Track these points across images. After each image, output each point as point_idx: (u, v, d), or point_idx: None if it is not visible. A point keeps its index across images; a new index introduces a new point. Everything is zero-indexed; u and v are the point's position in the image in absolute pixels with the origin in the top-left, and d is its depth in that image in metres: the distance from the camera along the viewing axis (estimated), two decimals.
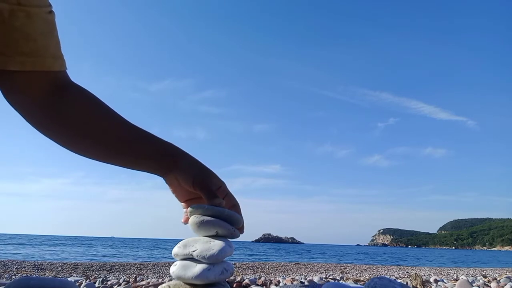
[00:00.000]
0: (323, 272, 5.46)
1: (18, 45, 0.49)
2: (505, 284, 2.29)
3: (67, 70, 0.57)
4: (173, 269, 0.61)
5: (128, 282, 2.72)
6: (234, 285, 2.05)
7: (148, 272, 5.06)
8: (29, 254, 11.76)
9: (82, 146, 0.58)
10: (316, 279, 3.21)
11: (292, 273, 5.26)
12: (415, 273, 2.35)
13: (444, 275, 5.13)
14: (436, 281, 2.79)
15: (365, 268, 7.70)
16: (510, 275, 3.25)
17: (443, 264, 13.58)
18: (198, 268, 0.59)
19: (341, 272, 5.62)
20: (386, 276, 1.23)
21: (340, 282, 2.66)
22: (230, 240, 0.63)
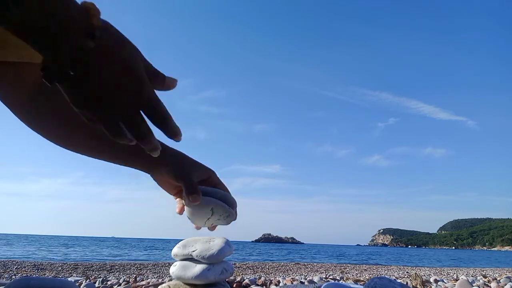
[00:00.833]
0: (323, 272, 5.45)
1: (14, 38, 0.49)
2: (505, 284, 2.29)
3: None
4: (173, 269, 0.62)
5: (128, 282, 2.73)
6: (234, 285, 2.05)
7: (148, 272, 5.06)
8: (29, 254, 11.76)
9: (73, 141, 0.58)
10: (316, 279, 3.21)
11: (292, 273, 5.26)
12: (415, 273, 2.35)
13: (444, 275, 5.13)
14: (436, 281, 2.79)
15: (365, 268, 7.70)
16: (510, 275, 3.25)
17: (443, 264, 13.57)
18: (198, 268, 0.59)
19: (341, 272, 5.62)
20: (386, 276, 1.23)
21: (340, 282, 2.66)
22: (229, 239, 0.63)
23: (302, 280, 3.15)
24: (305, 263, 9.16)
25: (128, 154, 0.58)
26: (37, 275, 3.96)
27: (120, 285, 2.54)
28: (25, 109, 0.55)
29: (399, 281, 0.90)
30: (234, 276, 3.09)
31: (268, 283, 2.42)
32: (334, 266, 8.06)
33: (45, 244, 22.44)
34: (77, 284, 2.26)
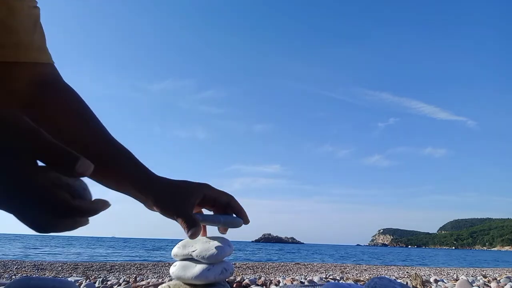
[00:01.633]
0: (323, 272, 5.46)
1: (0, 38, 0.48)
2: (505, 284, 2.29)
3: (55, 69, 0.56)
4: (173, 270, 0.62)
5: (128, 282, 2.73)
6: (234, 285, 2.05)
7: (148, 272, 5.06)
8: (29, 254, 11.76)
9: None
10: (316, 279, 3.21)
11: (292, 273, 5.26)
12: (415, 273, 2.35)
13: (444, 275, 5.13)
14: (436, 281, 2.79)
15: (365, 268, 7.70)
16: (510, 275, 3.25)
17: (443, 264, 13.57)
18: (197, 268, 0.59)
19: (341, 272, 5.62)
20: (386, 276, 1.23)
21: (340, 282, 2.65)
22: (229, 240, 0.63)
23: (302, 280, 3.15)
24: (305, 263, 9.16)
25: (117, 185, 0.55)
26: (37, 275, 3.95)
27: (120, 285, 2.54)
28: (22, 113, 0.54)
29: (399, 281, 0.90)
30: (234, 276, 3.09)
31: (268, 283, 2.43)
32: (334, 266, 8.06)
33: (45, 244, 22.44)
34: (77, 284, 2.26)
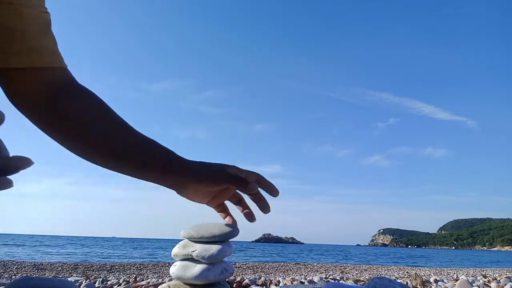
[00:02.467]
0: (323, 272, 5.45)
1: (14, 44, 0.49)
2: (505, 284, 2.29)
3: (69, 72, 0.56)
4: (173, 270, 0.62)
5: (128, 282, 2.72)
6: (234, 285, 2.05)
7: (148, 272, 5.05)
8: (29, 254, 11.76)
9: (86, 150, 0.55)
10: (316, 279, 3.21)
11: (292, 273, 5.26)
12: (415, 273, 2.35)
13: (444, 275, 5.13)
14: (436, 281, 2.79)
15: (365, 268, 7.70)
16: (510, 275, 3.24)
17: (443, 264, 13.57)
18: (197, 268, 0.59)
19: (341, 272, 5.62)
20: (386, 276, 1.23)
21: (340, 282, 2.65)
22: (230, 240, 0.63)
23: (302, 280, 3.14)
24: (305, 263, 9.16)
25: (155, 174, 0.55)
26: (37, 275, 3.95)
27: (120, 285, 2.54)
28: (39, 117, 0.54)
29: (399, 281, 0.90)
30: (234, 276, 3.09)
31: (268, 283, 2.42)
32: (334, 266, 8.06)
33: (45, 244, 22.43)
34: (77, 284, 2.26)
